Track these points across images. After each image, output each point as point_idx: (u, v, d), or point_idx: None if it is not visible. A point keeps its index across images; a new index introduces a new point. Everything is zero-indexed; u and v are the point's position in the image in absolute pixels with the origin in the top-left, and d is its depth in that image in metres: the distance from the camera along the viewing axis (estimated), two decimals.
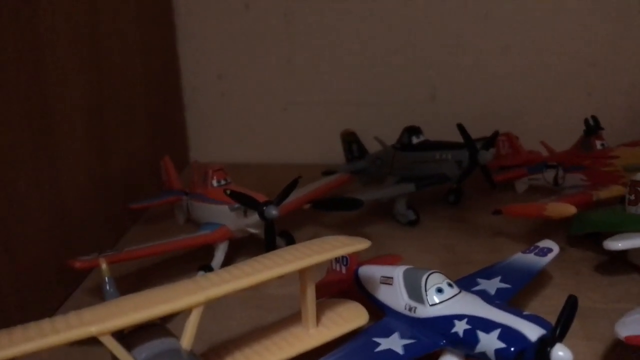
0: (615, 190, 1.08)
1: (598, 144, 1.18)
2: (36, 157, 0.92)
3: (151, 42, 1.45)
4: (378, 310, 0.78)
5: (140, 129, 1.35)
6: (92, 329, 0.57)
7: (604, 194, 1.07)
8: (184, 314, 0.63)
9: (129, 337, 0.64)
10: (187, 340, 0.61)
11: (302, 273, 0.70)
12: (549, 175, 1.24)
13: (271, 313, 0.84)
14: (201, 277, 0.66)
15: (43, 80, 0.94)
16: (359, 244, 0.72)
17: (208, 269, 1.00)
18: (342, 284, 0.86)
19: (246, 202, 0.96)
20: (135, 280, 1.01)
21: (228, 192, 0.96)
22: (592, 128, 1.20)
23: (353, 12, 1.55)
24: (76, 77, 1.06)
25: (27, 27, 0.90)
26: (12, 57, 0.86)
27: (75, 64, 1.05)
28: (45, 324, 0.59)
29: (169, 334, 0.65)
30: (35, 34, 0.92)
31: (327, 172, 1.31)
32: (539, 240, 0.96)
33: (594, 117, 1.21)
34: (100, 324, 0.57)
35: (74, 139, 1.04)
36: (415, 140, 1.25)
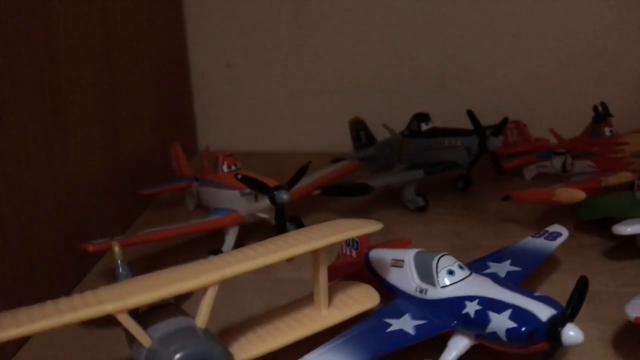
0: (624, 176, 1.08)
1: (607, 130, 1.18)
2: (48, 144, 0.92)
3: (160, 30, 1.45)
4: (388, 293, 0.79)
5: (149, 117, 1.35)
6: (109, 307, 0.57)
7: (612, 180, 1.08)
8: (196, 296, 0.63)
9: (143, 316, 0.65)
10: (202, 318, 0.62)
11: (315, 254, 0.71)
12: (557, 162, 1.24)
13: (282, 296, 0.84)
14: (216, 257, 0.67)
15: (55, 69, 0.95)
16: (371, 226, 0.73)
17: (219, 253, 1.00)
18: (352, 268, 0.86)
19: (257, 187, 0.97)
20: (145, 266, 1.01)
21: (239, 176, 0.96)
22: (601, 115, 1.20)
23: (362, 0, 1.55)
24: (87, 65, 1.06)
25: (40, 18, 0.91)
26: (26, 48, 0.87)
27: (86, 52, 1.06)
28: (63, 302, 0.59)
29: (183, 313, 0.66)
30: (48, 24, 0.93)
31: (336, 160, 1.32)
32: (547, 226, 0.96)
33: (603, 104, 1.21)
34: (117, 301, 0.58)
35: (85, 127, 1.05)
36: (424, 127, 1.25)
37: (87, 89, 1.06)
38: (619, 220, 0.93)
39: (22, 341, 0.82)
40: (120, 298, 0.58)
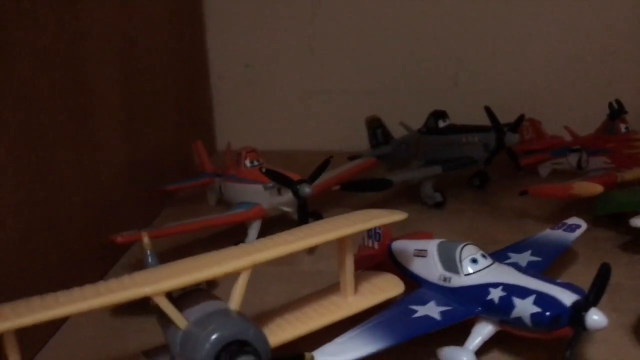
0: None
1: (622, 127, 1.19)
2: (76, 141, 0.95)
3: (181, 32, 1.48)
4: (412, 282, 0.80)
5: (170, 116, 1.38)
6: (146, 289, 0.59)
7: (628, 175, 1.09)
8: (225, 284, 0.64)
9: (177, 301, 0.67)
10: (235, 302, 0.63)
11: (341, 242, 0.72)
12: (573, 158, 1.25)
13: (304, 288, 0.85)
14: (246, 244, 0.68)
15: (83, 71, 0.97)
16: (396, 215, 0.74)
17: None
18: (374, 259, 0.88)
19: (281, 180, 0.99)
20: (168, 260, 1.03)
21: (264, 170, 0.98)
22: (616, 112, 1.21)
23: (376, 1, 1.57)
24: (112, 67, 1.09)
25: (67, 22, 0.93)
26: (55, 50, 0.89)
27: (111, 55, 1.09)
28: (101, 285, 0.61)
29: (215, 297, 0.67)
30: (75, 20, 0.95)
31: (352, 158, 1.33)
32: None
33: (617, 101, 1.22)
34: (154, 284, 0.60)
35: (110, 125, 1.07)
36: (441, 124, 1.26)
37: (112, 88, 1.09)
38: (634, 214, 0.94)
39: (54, 328, 0.84)
40: (157, 281, 0.60)
